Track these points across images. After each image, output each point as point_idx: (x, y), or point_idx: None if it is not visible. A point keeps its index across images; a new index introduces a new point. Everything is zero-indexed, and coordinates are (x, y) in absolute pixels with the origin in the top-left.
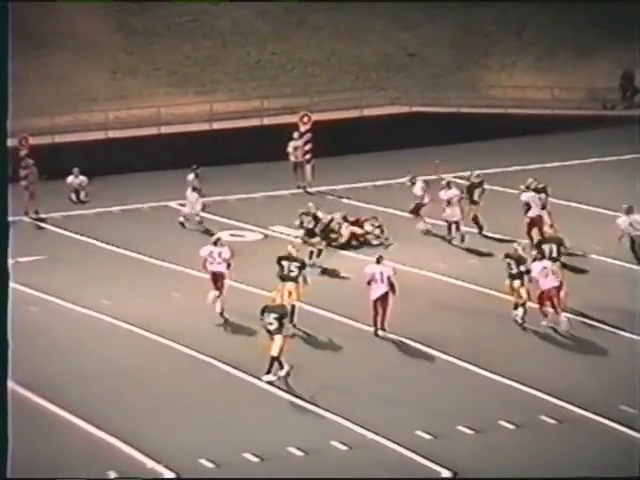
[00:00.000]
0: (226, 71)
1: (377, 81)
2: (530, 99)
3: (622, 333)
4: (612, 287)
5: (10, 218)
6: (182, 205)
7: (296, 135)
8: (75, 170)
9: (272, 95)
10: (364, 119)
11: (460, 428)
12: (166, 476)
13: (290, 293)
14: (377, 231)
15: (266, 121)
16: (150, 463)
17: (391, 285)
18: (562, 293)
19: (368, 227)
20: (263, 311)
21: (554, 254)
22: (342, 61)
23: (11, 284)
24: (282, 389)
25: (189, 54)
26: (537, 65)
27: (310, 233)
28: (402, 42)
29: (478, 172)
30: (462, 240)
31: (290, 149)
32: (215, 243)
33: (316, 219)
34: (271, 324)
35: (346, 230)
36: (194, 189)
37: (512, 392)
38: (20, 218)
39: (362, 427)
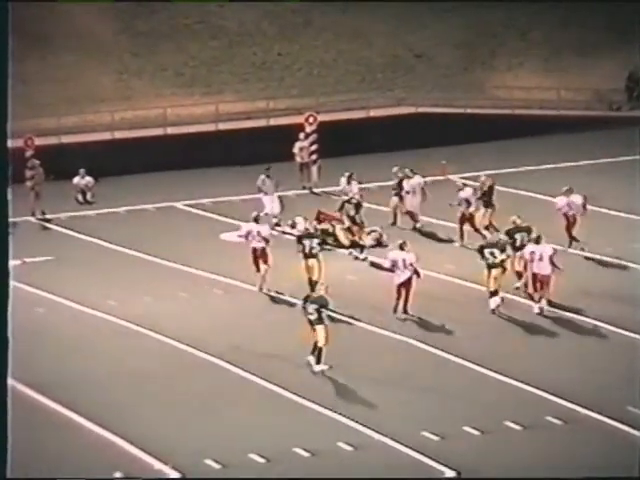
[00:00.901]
0: (232, 72)
1: (383, 82)
2: (536, 100)
3: (628, 334)
4: (616, 287)
5: (17, 219)
6: (188, 206)
7: (302, 136)
8: (81, 171)
9: (278, 96)
10: (370, 120)
11: (466, 429)
12: (172, 476)
13: (312, 268)
14: (374, 241)
15: (272, 122)
16: (156, 464)
17: (415, 271)
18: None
19: (368, 240)
20: (305, 301)
21: (524, 242)
22: (348, 62)
23: (17, 284)
24: (288, 390)
25: (195, 55)
26: (543, 66)
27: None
28: (408, 43)
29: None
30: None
31: (296, 150)
32: (256, 220)
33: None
34: (312, 314)
35: (343, 235)
36: (265, 192)
37: (518, 393)
38: (26, 219)
39: (368, 428)
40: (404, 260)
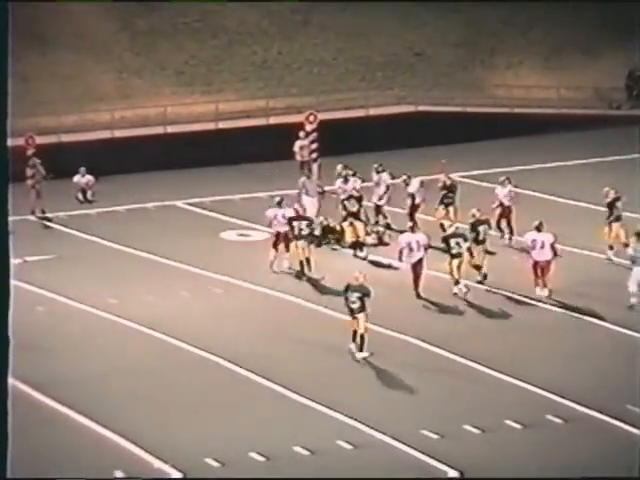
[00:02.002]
0: (232, 71)
1: (383, 80)
2: (536, 98)
3: (629, 332)
4: (616, 286)
5: (17, 217)
6: (189, 204)
7: (302, 134)
8: (81, 169)
9: (278, 95)
10: (370, 118)
11: (467, 428)
12: (172, 476)
13: (303, 249)
14: (377, 240)
15: (272, 120)
16: (156, 463)
17: (425, 250)
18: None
19: (370, 239)
20: (346, 290)
21: (487, 235)
22: (348, 61)
23: (18, 283)
24: (288, 389)
25: (195, 54)
26: (543, 64)
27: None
28: (408, 42)
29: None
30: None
31: (296, 148)
32: (279, 204)
33: (359, 202)
34: (354, 303)
35: (350, 232)
36: (306, 193)
37: (519, 392)
38: (26, 217)
39: (368, 426)
40: (417, 241)
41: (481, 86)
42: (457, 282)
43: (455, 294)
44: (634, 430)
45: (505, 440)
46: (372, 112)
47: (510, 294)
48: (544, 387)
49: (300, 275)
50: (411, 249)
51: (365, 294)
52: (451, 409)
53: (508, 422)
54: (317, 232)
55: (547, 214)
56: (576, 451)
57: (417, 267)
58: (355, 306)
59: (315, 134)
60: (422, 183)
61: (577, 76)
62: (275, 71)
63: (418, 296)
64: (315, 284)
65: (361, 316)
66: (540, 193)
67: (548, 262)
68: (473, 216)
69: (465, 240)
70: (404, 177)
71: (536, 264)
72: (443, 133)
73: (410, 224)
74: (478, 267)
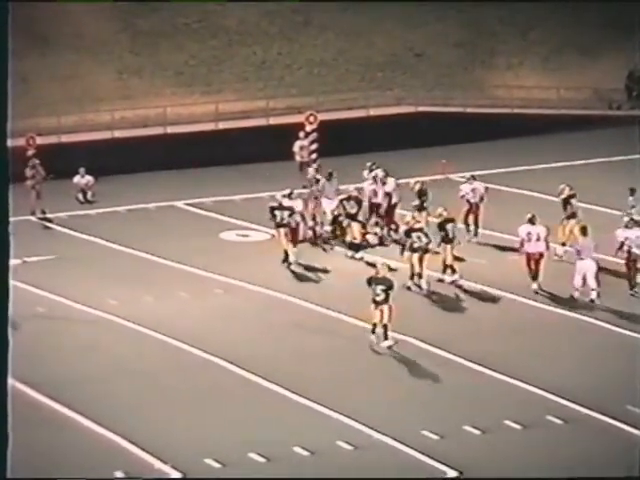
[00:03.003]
0: (232, 71)
1: (383, 81)
2: (536, 99)
3: (628, 333)
4: (616, 286)
5: (17, 218)
6: (189, 205)
7: (302, 135)
8: (81, 170)
9: (278, 95)
10: (370, 119)
11: (466, 428)
12: (172, 476)
13: (286, 237)
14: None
15: (272, 121)
16: (156, 463)
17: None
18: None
19: (371, 239)
20: (370, 283)
21: (455, 233)
22: (348, 61)
23: (17, 284)
24: (288, 389)
25: (195, 54)
26: (543, 65)
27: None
28: (408, 42)
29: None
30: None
31: (296, 149)
32: (289, 196)
33: (359, 203)
34: (378, 295)
35: (357, 231)
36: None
37: (518, 392)
38: (27, 218)
39: (368, 427)
40: None
41: (481, 87)
42: (420, 276)
43: (408, 288)
44: (634, 430)
45: (505, 440)
46: (372, 112)
47: (510, 294)
48: (544, 387)
49: (286, 262)
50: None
51: (389, 287)
52: (451, 409)
53: (508, 422)
54: (327, 227)
55: (547, 214)
56: (576, 451)
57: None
58: (379, 298)
59: (315, 134)
60: (397, 183)
61: (577, 77)
62: (275, 71)
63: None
64: (315, 284)
65: (385, 307)
66: (540, 193)
67: (541, 255)
68: (440, 215)
69: (426, 235)
70: (381, 175)
71: (529, 257)
72: (443, 133)
73: (408, 218)
74: (451, 267)
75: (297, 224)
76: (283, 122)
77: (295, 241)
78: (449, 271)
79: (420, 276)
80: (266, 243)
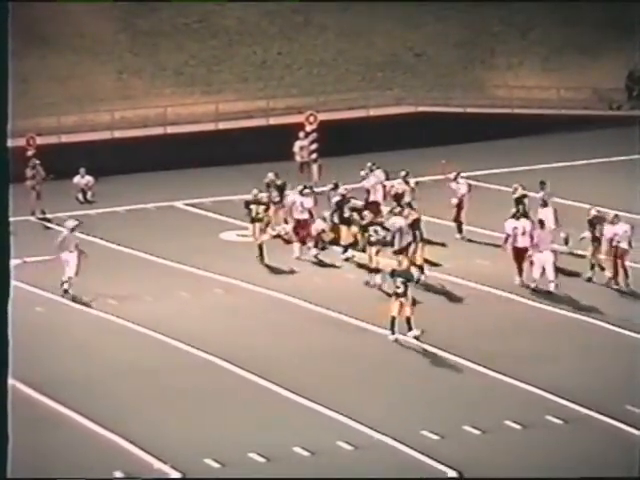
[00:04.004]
0: (232, 71)
1: (383, 81)
2: (536, 99)
3: (629, 332)
4: (616, 286)
5: (17, 218)
6: (189, 205)
7: (302, 135)
8: (81, 170)
9: (278, 95)
10: (370, 119)
11: (466, 428)
12: (172, 476)
13: (261, 232)
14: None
15: (272, 121)
16: (156, 463)
17: (414, 235)
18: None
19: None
20: (392, 275)
21: (423, 233)
22: (348, 61)
23: (17, 284)
24: (288, 390)
25: (195, 54)
26: (543, 65)
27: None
28: (408, 42)
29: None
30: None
31: (296, 149)
32: (301, 192)
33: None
34: (398, 287)
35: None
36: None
37: (518, 392)
38: (26, 218)
39: (368, 427)
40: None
41: (481, 87)
42: (377, 271)
43: (367, 283)
44: (634, 430)
45: (505, 440)
46: (372, 112)
47: (510, 294)
48: (544, 387)
49: (260, 258)
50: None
51: (409, 279)
52: (451, 410)
53: (508, 422)
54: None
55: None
56: (576, 451)
57: (407, 251)
58: (400, 291)
59: (315, 134)
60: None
61: (577, 77)
62: (275, 71)
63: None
64: (315, 284)
65: (404, 300)
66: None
67: (526, 249)
68: (407, 216)
69: (383, 229)
70: (362, 173)
71: (517, 250)
72: (443, 133)
73: (398, 210)
74: (420, 267)
75: (306, 221)
76: (283, 122)
77: (304, 238)
78: (418, 270)
79: (378, 271)
80: (266, 243)
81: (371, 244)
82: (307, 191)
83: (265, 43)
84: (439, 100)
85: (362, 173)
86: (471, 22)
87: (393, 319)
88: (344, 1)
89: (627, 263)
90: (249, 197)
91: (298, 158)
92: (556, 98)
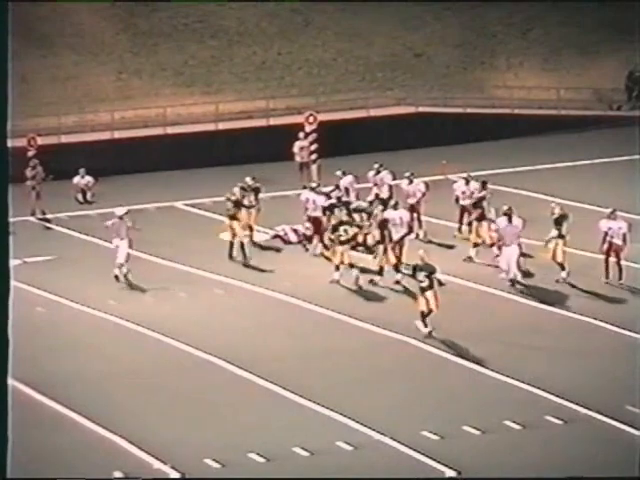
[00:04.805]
0: (232, 71)
1: (383, 81)
2: (536, 99)
3: (629, 333)
4: (616, 286)
5: (17, 218)
6: (188, 205)
7: (302, 135)
8: (81, 170)
9: (278, 95)
10: (370, 119)
11: (465, 428)
12: (172, 476)
13: (232, 229)
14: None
15: (272, 121)
16: (156, 463)
17: (410, 227)
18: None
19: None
20: (414, 269)
21: (392, 234)
22: (348, 61)
23: (17, 284)
24: (288, 390)
25: (195, 54)
26: (543, 65)
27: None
28: (408, 42)
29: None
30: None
31: (296, 149)
32: (313, 189)
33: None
34: (422, 282)
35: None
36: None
37: (517, 392)
38: (26, 218)
39: (368, 427)
40: (401, 218)
41: (481, 87)
42: (349, 266)
43: (337, 281)
44: (634, 431)
45: (505, 440)
46: (372, 113)
47: (510, 294)
48: (543, 388)
49: (230, 256)
50: (394, 225)
51: (431, 272)
52: (450, 410)
53: (508, 422)
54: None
55: (546, 215)
56: (576, 451)
57: (399, 243)
58: (424, 284)
59: (315, 135)
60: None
61: (577, 77)
62: (275, 72)
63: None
64: (315, 284)
65: (429, 294)
66: (540, 193)
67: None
68: (376, 216)
69: (351, 226)
70: (338, 172)
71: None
72: (443, 134)
73: (393, 202)
74: (381, 268)
75: (318, 218)
76: (283, 122)
77: (320, 233)
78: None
79: (351, 266)
80: (266, 243)
81: (341, 243)
82: (320, 189)
83: (265, 43)
84: (439, 100)
85: (337, 173)
86: (471, 22)
87: (422, 313)
88: (344, 1)
89: (622, 262)
90: (231, 196)
91: (298, 158)
92: (556, 98)
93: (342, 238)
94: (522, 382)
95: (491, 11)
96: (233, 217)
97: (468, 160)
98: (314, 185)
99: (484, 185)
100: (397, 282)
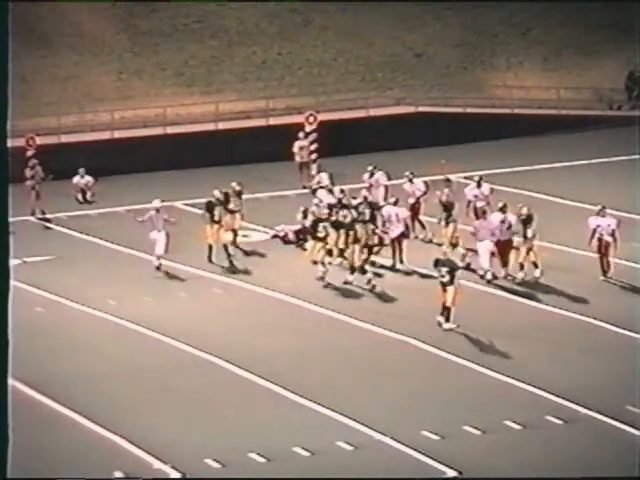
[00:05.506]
0: (232, 71)
1: (383, 81)
2: (536, 99)
3: (628, 333)
4: (616, 286)
5: (17, 218)
6: (188, 205)
7: (302, 135)
8: (81, 170)
9: (278, 95)
10: (370, 119)
11: (466, 428)
12: (172, 476)
13: (212, 233)
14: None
15: (272, 121)
16: (156, 463)
17: (406, 226)
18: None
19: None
20: (436, 265)
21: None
22: (348, 61)
23: (17, 284)
24: (288, 390)
25: (195, 54)
26: (543, 65)
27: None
28: (408, 42)
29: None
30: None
31: (296, 149)
32: (329, 190)
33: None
34: (443, 277)
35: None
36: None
37: (518, 392)
38: (26, 218)
39: (368, 427)
40: (397, 214)
41: (481, 87)
42: (320, 263)
43: (322, 278)
44: (634, 431)
45: (505, 440)
46: (372, 113)
47: (510, 294)
48: (544, 388)
49: (210, 257)
50: (391, 222)
51: (453, 268)
52: (451, 410)
53: (508, 422)
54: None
55: (547, 215)
56: (576, 451)
57: (398, 241)
58: (445, 280)
59: (315, 135)
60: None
61: (577, 77)
62: (275, 72)
63: (401, 262)
64: (315, 284)
65: (450, 289)
66: (540, 193)
67: (510, 242)
68: (345, 216)
69: (332, 226)
70: (313, 172)
71: (503, 245)
72: (443, 134)
73: (393, 199)
74: (352, 268)
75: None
76: (283, 122)
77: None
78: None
79: (320, 263)
80: (266, 243)
81: (318, 240)
82: (331, 188)
83: (265, 43)
84: (439, 100)
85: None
86: (471, 22)
87: (444, 307)
88: (344, 1)
89: (610, 259)
90: (211, 199)
91: (298, 158)
92: (556, 98)
93: (320, 235)
94: (522, 382)
95: (491, 11)
96: (216, 221)
97: (468, 160)
98: (320, 185)
99: (479, 184)
100: (368, 282)
